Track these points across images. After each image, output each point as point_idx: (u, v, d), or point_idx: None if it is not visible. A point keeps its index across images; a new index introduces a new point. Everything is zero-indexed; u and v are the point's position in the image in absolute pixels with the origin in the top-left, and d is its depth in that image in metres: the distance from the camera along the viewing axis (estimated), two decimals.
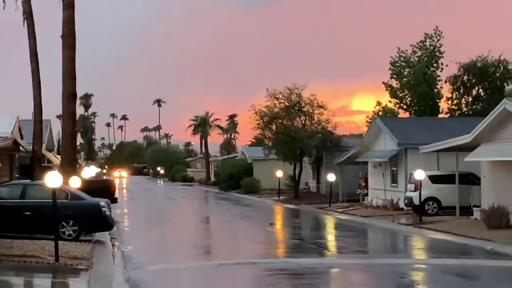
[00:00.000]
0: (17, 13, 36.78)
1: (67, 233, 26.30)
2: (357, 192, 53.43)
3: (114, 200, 40.20)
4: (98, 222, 27.45)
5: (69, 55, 35.39)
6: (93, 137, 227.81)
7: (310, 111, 62.68)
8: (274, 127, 63.47)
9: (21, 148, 37.26)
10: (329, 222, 42.10)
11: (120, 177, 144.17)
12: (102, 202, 27.76)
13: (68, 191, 27.75)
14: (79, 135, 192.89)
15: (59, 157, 37.99)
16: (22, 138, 36.34)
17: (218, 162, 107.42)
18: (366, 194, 51.83)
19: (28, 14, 35.87)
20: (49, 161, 54.19)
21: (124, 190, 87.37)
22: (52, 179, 21.05)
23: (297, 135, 60.65)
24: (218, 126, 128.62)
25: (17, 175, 38.39)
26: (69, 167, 34.69)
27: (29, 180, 30.38)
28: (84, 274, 18.73)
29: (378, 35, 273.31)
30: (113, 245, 27.71)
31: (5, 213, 26.50)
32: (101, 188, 38.54)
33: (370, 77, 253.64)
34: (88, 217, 26.99)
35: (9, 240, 24.56)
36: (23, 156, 39.70)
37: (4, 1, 36.87)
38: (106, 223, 27.79)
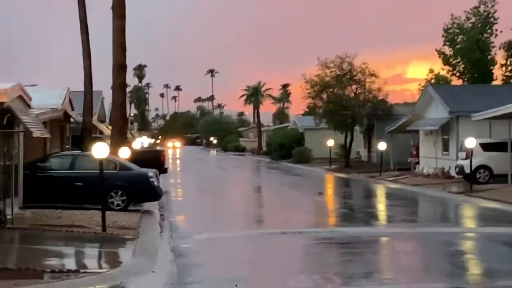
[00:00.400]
0: None
1: (115, 203, 26.59)
2: (409, 160, 53.04)
3: (164, 171, 40.57)
4: (146, 192, 27.68)
5: (119, 26, 35.41)
6: (147, 107, 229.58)
7: (362, 79, 62.29)
8: (325, 96, 63.18)
9: (72, 119, 37.58)
10: (379, 191, 41.91)
11: (174, 147, 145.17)
12: (150, 172, 27.97)
13: (117, 161, 28.02)
14: (133, 106, 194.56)
15: (110, 128, 38.22)
16: (73, 110, 36.60)
17: (270, 132, 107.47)
18: (417, 163, 51.43)
19: None
20: (101, 132, 54.75)
21: (177, 161, 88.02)
22: (99, 150, 21.19)
23: (348, 104, 60.31)
24: (270, 95, 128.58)
25: (67, 146, 38.80)
26: (119, 137, 34.89)
27: (78, 151, 30.70)
28: (130, 244, 18.89)
29: (432, 1, 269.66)
30: (161, 215, 27.89)
31: (55, 183, 26.87)
32: (151, 158, 38.90)
33: (425, 45, 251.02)
34: (136, 187, 27.24)
35: (59, 210, 24.93)
36: (74, 127, 40.07)
37: None
38: (154, 193, 27.99)
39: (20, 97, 21.83)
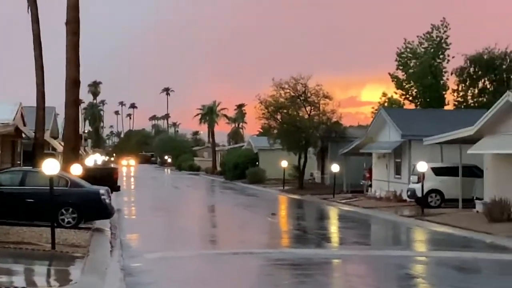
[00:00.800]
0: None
1: (66, 220, 26.29)
2: (361, 183, 53.35)
3: (116, 188, 40.24)
4: (97, 210, 27.41)
5: (73, 42, 35.21)
6: (102, 125, 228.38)
7: (316, 101, 62.58)
8: (279, 117, 63.40)
9: (23, 135, 37.18)
10: (332, 213, 42.04)
11: (128, 165, 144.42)
12: (102, 190, 27.71)
13: (68, 178, 27.74)
14: (87, 123, 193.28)
15: (63, 144, 37.91)
16: (25, 125, 36.27)
17: (224, 152, 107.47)
18: (370, 185, 51.76)
19: (32, 1, 35.78)
20: (54, 149, 54.23)
21: (132, 179, 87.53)
22: (49, 166, 20.96)
23: (302, 125, 60.58)
24: (225, 115, 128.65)
25: (19, 162, 38.39)
26: (72, 154, 34.64)
27: (29, 167, 30.35)
28: (79, 262, 18.68)
29: (385, 26, 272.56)
30: (112, 233, 27.65)
31: (4, 199, 26.49)
32: (103, 175, 38.56)
33: (379, 68, 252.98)
34: (88, 204, 26.97)
35: (8, 226, 24.57)
36: (26, 143, 39.67)
37: None
38: (106, 211, 27.74)
39: None
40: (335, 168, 52.53)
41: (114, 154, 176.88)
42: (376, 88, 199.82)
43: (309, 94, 62.47)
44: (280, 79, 63.19)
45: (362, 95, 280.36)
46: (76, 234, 24.28)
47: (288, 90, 62.91)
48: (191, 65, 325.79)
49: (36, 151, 34.61)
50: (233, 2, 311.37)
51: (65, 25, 35.62)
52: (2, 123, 30.12)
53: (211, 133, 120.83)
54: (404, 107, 66.00)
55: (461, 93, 64.19)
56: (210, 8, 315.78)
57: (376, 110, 63.14)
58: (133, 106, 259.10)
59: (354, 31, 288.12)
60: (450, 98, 65.58)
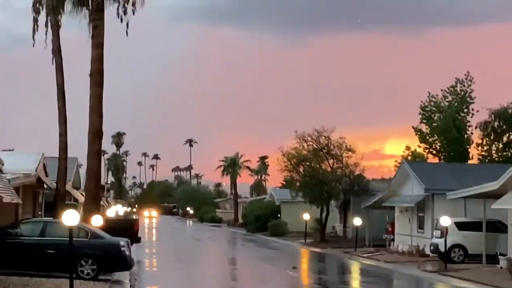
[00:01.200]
0: (47, 49, 37.16)
1: (85, 272, 26.19)
2: (384, 237, 52.89)
3: (137, 240, 40.14)
4: (117, 262, 27.31)
5: (97, 93, 35.50)
6: (124, 175, 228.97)
7: (339, 154, 62.42)
8: (301, 169, 63.23)
9: (45, 185, 37.28)
10: (354, 267, 41.61)
11: (150, 216, 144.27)
12: (122, 241, 27.64)
13: (88, 229, 27.71)
14: (110, 174, 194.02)
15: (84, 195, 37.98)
16: (47, 175, 36.40)
17: (246, 204, 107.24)
18: (393, 240, 51.29)
19: (56, 52, 36.16)
20: (75, 199, 54.32)
21: (153, 230, 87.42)
22: (69, 217, 20.93)
23: (324, 178, 60.36)
24: (248, 167, 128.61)
25: (40, 212, 38.45)
26: (93, 205, 34.67)
27: (50, 218, 30.36)
28: None
29: (410, 79, 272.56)
30: (131, 285, 27.46)
31: (24, 250, 26.48)
32: (124, 227, 38.52)
33: (403, 122, 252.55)
34: (107, 256, 26.87)
35: (27, 277, 24.49)
36: (48, 193, 39.74)
37: (33, 39, 37.20)
38: (125, 263, 27.62)
39: None
40: (357, 221, 52.17)
41: (136, 205, 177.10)
42: (400, 142, 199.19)
43: (332, 147, 62.34)
44: (303, 131, 63.18)
45: (385, 148, 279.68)
46: (95, 286, 24.17)
47: (311, 143, 62.87)
48: (214, 116, 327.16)
49: (57, 201, 34.69)
50: (256, 54, 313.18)
51: (89, 76, 35.94)
52: (24, 174, 30.20)
53: (233, 185, 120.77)
54: (428, 160, 65.67)
55: (485, 147, 63.85)
56: (234, 60, 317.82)
57: (399, 163, 62.84)
58: (156, 157, 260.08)
59: (378, 85, 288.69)
60: (474, 152, 65.28)
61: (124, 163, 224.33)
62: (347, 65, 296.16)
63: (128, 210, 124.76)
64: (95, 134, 34.66)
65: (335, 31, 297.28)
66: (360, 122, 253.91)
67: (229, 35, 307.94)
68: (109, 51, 36.92)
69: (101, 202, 43.50)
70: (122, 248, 27.23)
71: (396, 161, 74.79)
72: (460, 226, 40.44)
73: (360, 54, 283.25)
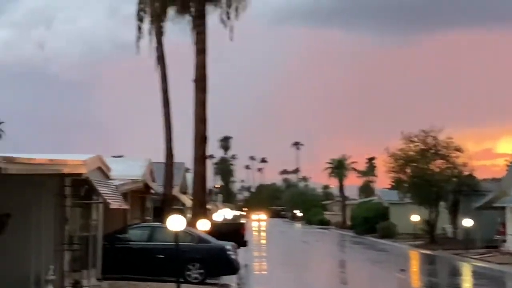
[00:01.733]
0: (151, 57, 37.66)
1: (193, 276, 26.47)
2: (495, 238, 51.57)
3: (243, 243, 40.26)
4: (224, 266, 27.48)
5: (201, 99, 35.90)
6: (232, 179, 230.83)
7: (447, 154, 61.28)
8: (409, 170, 62.32)
9: (152, 190, 37.82)
10: (464, 269, 40.70)
11: (259, 219, 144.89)
12: (228, 245, 27.78)
13: (195, 234, 27.97)
14: (218, 177, 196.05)
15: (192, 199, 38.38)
16: (154, 181, 36.84)
17: (354, 206, 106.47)
18: (504, 241, 49.96)
19: (160, 59, 36.63)
20: (183, 204, 54.89)
21: (261, 233, 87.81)
22: (174, 222, 21.11)
23: (432, 179, 59.34)
24: (355, 169, 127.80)
25: (148, 217, 38.99)
26: (200, 209, 35.06)
27: (158, 223, 30.74)
28: None
29: None
30: None
31: (133, 255, 26.92)
32: (230, 231, 38.65)
33: None
34: (214, 260, 27.07)
35: (135, 282, 24.88)
36: (156, 198, 40.27)
37: (137, 47, 37.78)
38: (232, 267, 27.75)
39: (99, 168, 22.01)
40: (467, 222, 51.05)
41: (245, 208, 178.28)
42: None
43: (439, 147, 61.25)
44: (409, 132, 62.35)
45: (498, 147, 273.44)
46: None
47: (418, 143, 61.93)
48: (321, 118, 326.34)
49: (165, 206, 35.11)
50: (359, 54, 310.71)
51: (193, 82, 36.32)
52: (131, 179, 30.67)
53: (340, 186, 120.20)
54: None
55: None
56: (338, 61, 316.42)
57: (510, 162, 61.12)
58: (263, 160, 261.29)
59: (486, 82, 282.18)
60: None
61: (232, 166, 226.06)
62: (455, 62, 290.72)
63: (238, 214, 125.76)
64: (200, 139, 35.05)
65: (444, 28, 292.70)
66: (471, 121, 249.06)
67: (333, 35, 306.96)
68: (214, 55, 37.27)
69: (209, 206, 43.82)
70: (228, 252, 27.38)
71: (506, 160, 72.85)
72: None
73: (467, 51, 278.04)
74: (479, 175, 65.09)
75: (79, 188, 20.69)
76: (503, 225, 50.76)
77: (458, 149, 60.90)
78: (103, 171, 22.92)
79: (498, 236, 51.39)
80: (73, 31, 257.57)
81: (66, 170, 17.87)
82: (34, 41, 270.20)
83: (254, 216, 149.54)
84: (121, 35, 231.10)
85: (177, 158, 37.95)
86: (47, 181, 18.16)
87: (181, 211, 36.43)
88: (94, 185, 20.51)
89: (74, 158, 19.16)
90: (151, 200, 40.38)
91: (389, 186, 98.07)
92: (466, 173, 60.64)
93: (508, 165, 58.85)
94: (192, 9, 37.39)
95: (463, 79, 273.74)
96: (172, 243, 22.86)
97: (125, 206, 26.47)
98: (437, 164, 61.36)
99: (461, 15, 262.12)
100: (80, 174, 19.32)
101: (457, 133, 63.56)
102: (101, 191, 21.17)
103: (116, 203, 22.79)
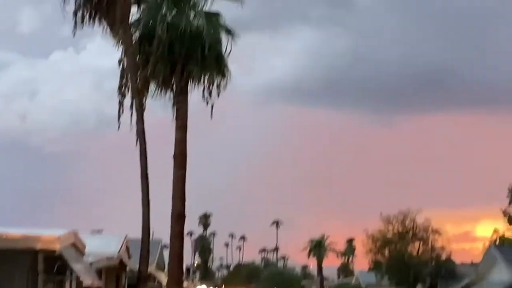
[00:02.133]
0: (131, 132, 37.58)
1: None
2: None
3: None
4: None
5: (179, 176, 35.68)
6: (211, 257, 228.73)
7: (425, 237, 61.36)
8: (387, 252, 62.27)
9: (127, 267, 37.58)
10: None
11: None
12: None
13: None
14: (197, 255, 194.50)
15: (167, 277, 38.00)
16: (129, 257, 36.61)
17: (332, 287, 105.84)
18: None
19: (140, 134, 36.56)
20: (159, 282, 54.43)
21: None
22: None
23: (410, 261, 59.29)
24: (333, 249, 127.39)
25: None
26: (176, 287, 34.58)
27: None
28: None
29: (500, 160, 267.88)
30: None
31: None
32: None
33: (494, 203, 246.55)
34: None
35: None
36: (131, 275, 39.94)
37: (119, 122, 37.67)
38: None
39: (73, 244, 21.95)
40: None
41: (223, 287, 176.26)
42: (492, 224, 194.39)
43: (417, 230, 61.37)
44: (387, 214, 62.53)
45: (476, 230, 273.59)
46: None
47: (396, 225, 62.06)
48: (301, 197, 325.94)
49: (139, 284, 34.70)
50: (340, 134, 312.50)
51: (172, 158, 36.25)
52: (107, 257, 30.51)
53: (319, 267, 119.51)
54: None
55: None
56: (318, 141, 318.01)
57: (487, 247, 61.20)
58: (242, 238, 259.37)
59: (467, 165, 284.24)
60: None
61: (211, 244, 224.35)
62: (435, 144, 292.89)
63: None
64: (177, 216, 34.79)
65: (421, 111, 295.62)
66: (449, 203, 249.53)
67: (314, 115, 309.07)
68: (195, 131, 37.29)
69: (185, 284, 43.42)
70: None
71: (484, 244, 72.95)
72: None
73: (447, 135, 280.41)
74: (458, 258, 65.16)
75: (53, 263, 20.57)
76: None
77: (437, 232, 61.03)
78: (78, 247, 22.85)
79: None
80: (57, 104, 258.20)
81: (39, 246, 17.84)
82: (16, 113, 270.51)
83: None
84: (105, 109, 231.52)
85: (156, 234, 37.78)
86: (20, 256, 18.10)
87: None
88: (68, 261, 20.43)
89: (49, 233, 19.12)
90: (126, 277, 40.06)
91: (368, 267, 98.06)
92: (444, 256, 60.67)
93: (485, 250, 58.98)
94: (174, 86, 37.49)
95: (444, 160, 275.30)
96: None
97: (98, 284, 26.33)
98: (416, 247, 61.39)
99: (449, 99, 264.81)
100: (53, 251, 19.28)
101: (436, 215, 63.65)
102: (75, 268, 21.07)
103: (89, 280, 22.66)
